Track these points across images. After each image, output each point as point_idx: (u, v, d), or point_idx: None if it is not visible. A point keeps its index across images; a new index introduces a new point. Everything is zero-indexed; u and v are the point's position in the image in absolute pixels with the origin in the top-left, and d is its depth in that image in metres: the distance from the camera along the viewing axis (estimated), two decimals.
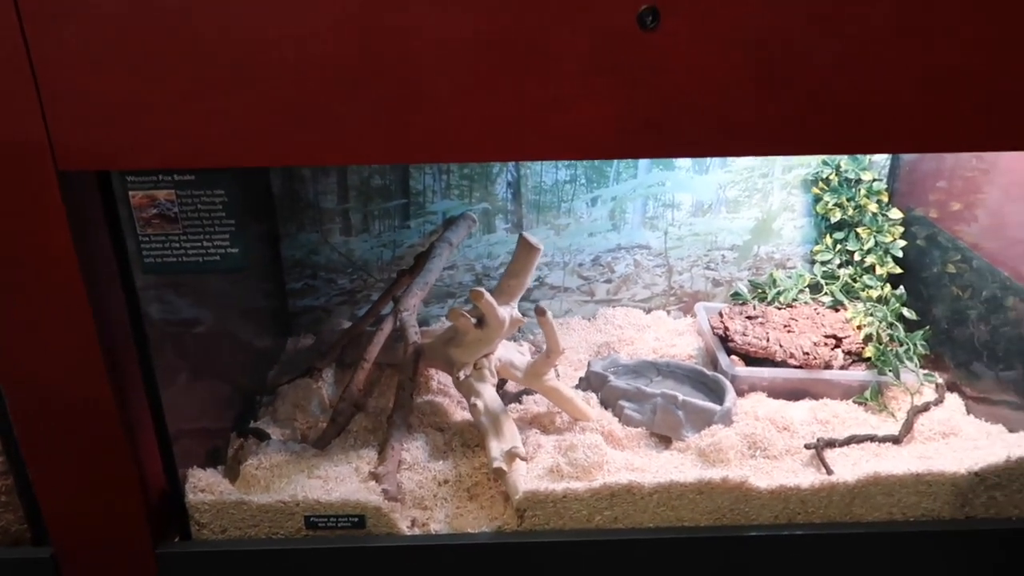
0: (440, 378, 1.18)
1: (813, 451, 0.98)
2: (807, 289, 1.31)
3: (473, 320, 0.99)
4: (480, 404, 0.99)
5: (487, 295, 0.95)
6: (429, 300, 1.35)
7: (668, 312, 1.39)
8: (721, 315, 1.25)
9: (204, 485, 0.92)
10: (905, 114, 0.71)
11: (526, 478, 0.94)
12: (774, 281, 1.32)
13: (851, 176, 1.29)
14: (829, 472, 0.94)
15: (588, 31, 0.67)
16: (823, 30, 0.67)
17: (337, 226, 1.30)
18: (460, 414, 1.11)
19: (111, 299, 0.79)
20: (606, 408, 1.08)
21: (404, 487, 0.95)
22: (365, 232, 1.31)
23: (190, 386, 0.98)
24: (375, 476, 0.95)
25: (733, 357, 1.17)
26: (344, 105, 0.69)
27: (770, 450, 0.98)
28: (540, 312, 0.97)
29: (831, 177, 1.29)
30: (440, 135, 0.70)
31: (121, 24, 0.66)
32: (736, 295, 1.34)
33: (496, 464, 0.93)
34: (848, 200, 1.28)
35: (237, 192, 0.77)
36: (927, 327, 1.18)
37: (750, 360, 1.17)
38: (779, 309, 1.26)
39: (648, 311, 1.39)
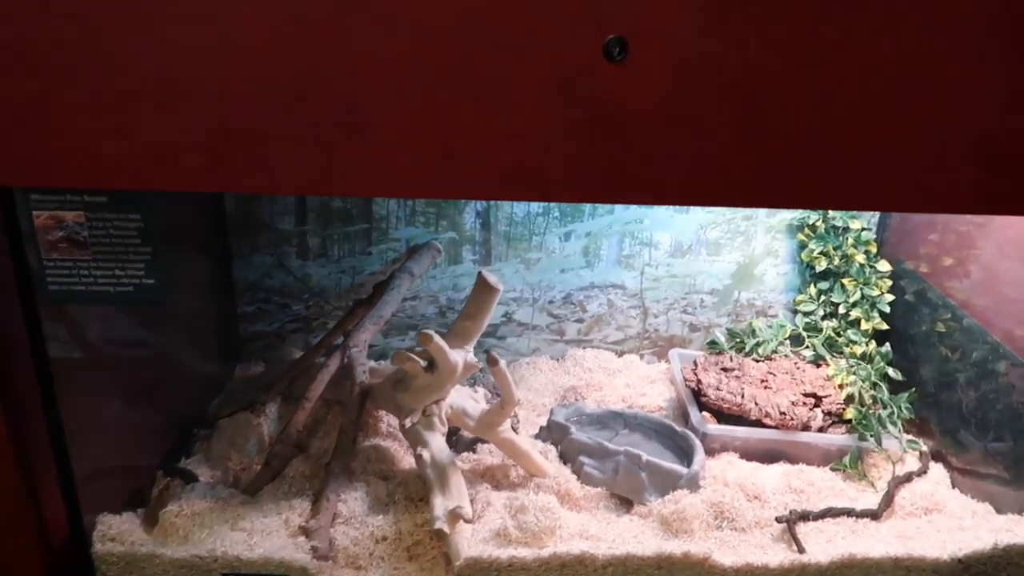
0: (390, 420, 1.10)
1: (785, 525, 0.90)
2: (787, 341, 1.24)
3: (423, 363, 0.91)
4: (426, 455, 0.91)
5: (436, 338, 0.87)
6: (389, 332, 1.27)
7: (641, 356, 1.32)
8: (696, 365, 1.17)
9: (114, 533, 0.84)
10: (896, 169, 0.64)
11: (470, 541, 0.86)
12: (753, 331, 1.25)
13: (839, 224, 1.22)
14: (801, 550, 0.86)
15: (550, 60, 0.60)
16: (812, 72, 0.61)
17: (294, 248, 1.23)
18: (408, 460, 1.02)
19: (7, 322, 0.71)
20: (565, 463, 1.00)
21: (337, 543, 0.87)
22: (323, 256, 1.23)
23: (112, 419, 0.89)
24: (305, 530, 0.87)
25: (705, 413, 1.09)
26: (273, 129, 0.62)
27: (738, 521, 0.90)
28: (492, 362, 0.89)
29: (818, 224, 1.22)
30: (379, 167, 0.63)
31: (25, 26, 0.59)
32: (713, 343, 1.27)
33: (438, 524, 0.85)
34: (835, 249, 1.22)
35: (156, 217, 0.70)
36: (913, 389, 1.10)
37: (723, 416, 1.09)
38: (757, 362, 1.19)
39: (620, 354, 1.32)
